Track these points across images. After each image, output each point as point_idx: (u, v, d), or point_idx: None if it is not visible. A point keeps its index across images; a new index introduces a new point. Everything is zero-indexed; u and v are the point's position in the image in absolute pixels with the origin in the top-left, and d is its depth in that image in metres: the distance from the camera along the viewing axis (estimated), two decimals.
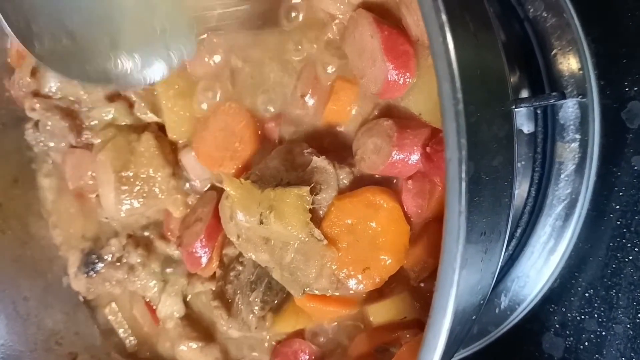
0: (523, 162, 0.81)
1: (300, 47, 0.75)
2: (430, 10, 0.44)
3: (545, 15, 0.78)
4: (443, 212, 0.47)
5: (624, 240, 0.75)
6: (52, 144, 1.01)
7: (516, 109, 0.74)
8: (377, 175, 0.70)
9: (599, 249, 0.77)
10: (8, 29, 0.71)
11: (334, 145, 0.74)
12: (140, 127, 0.92)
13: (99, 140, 0.92)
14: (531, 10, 0.79)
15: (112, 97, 0.95)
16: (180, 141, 0.90)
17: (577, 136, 0.77)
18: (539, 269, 0.81)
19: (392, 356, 0.66)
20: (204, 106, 0.84)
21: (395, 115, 0.69)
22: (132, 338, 1.02)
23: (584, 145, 0.76)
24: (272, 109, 0.80)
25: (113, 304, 1.03)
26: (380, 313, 0.72)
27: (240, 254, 0.80)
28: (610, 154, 0.75)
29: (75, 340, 1.04)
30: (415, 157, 0.65)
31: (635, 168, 0.74)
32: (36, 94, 1.00)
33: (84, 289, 0.99)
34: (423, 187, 0.67)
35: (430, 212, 0.67)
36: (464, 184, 0.44)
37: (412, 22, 0.64)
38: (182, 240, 0.86)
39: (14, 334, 0.99)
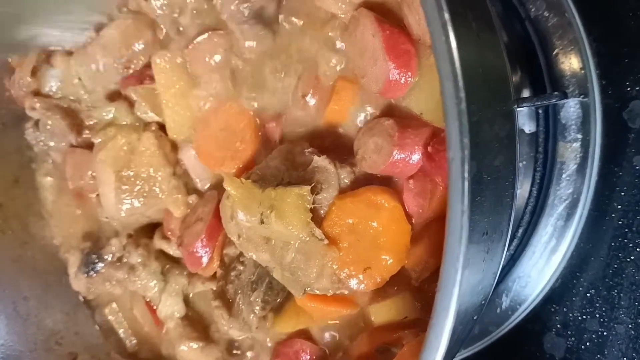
0: (524, 162, 0.81)
1: (301, 46, 0.75)
2: (433, 9, 0.44)
3: (547, 14, 0.78)
4: (444, 212, 0.47)
5: (625, 240, 0.75)
6: (52, 144, 1.01)
7: (518, 109, 0.74)
8: (378, 175, 0.69)
9: (601, 249, 0.76)
10: None
11: (335, 145, 0.74)
12: (140, 127, 0.92)
13: (100, 140, 0.91)
14: (532, 9, 0.79)
15: (113, 97, 0.95)
16: (180, 141, 0.90)
17: (579, 136, 0.76)
18: (541, 268, 0.81)
19: (393, 356, 0.65)
20: (204, 105, 0.85)
21: (396, 115, 0.69)
22: (132, 338, 1.02)
23: (585, 145, 0.76)
24: (272, 109, 0.79)
25: (113, 304, 1.03)
26: (382, 313, 0.72)
27: (241, 254, 0.80)
28: (611, 153, 0.75)
29: (75, 340, 1.04)
30: (416, 156, 0.65)
31: (637, 168, 0.74)
32: (36, 94, 1.00)
33: (84, 289, 0.99)
34: (424, 187, 0.67)
35: (431, 212, 0.67)
36: (466, 184, 0.44)
37: (414, 21, 0.64)
38: (182, 239, 0.86)
39: (14, 334, 0.99)
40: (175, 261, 0.93)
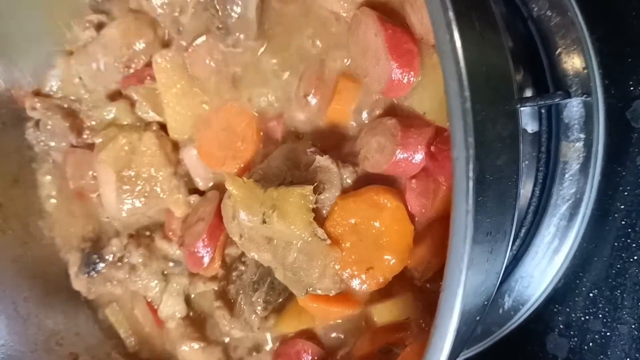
0: (527, 162, 0.80)
1: (303, 46, 0.75)
2: (438, 8, 0.44)
3: (550, 14, 0.78)
4: (447, 212, 0.47)
5: (629, 240, 0.75)
6: (52, 144, 1.01)
7: (521, 108, 0.73)
8: (380, 175, 0.69)
9: (604, 249, 0.76)
10: None
11: (337, 145, 0.74)
12: (141, 127, 0.91)
13: (100, 140, 0.91)
14: (535, 9, 0.79)
15: (114, 96, 0.95)
16: (181, 140, 0.90)
17: (582, 135, 0.76)
18: (543, 269, 0.80)
19: (395, 357, 0.65)
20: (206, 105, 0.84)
21: (399, 114, 0.68)
22: (133, 338, 1.02)
23: (588, 145, 0.76)
24: (275, 109, 0.79)
25: (114, 304, 1.02)
26: (384, 313, 0.72)
27: (242, 254, 0.80)
28: (615, 153, 0.75)
29: (76, 341, 1.03)
30: (419, 156, 0.65)
31: None
32: (37, 93, 0.99)
33: (84, 289, 0.99)
34: (427, 187, 0.66)
35: (434, 212, 0.66)
36: (471, 183, 0.44)
37: (417, 20, 0.63)
38: (184, 240, 0.86)
39: (15, 334, 0.99)
40: (177, 261, 0.93)
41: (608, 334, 0.77)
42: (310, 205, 0.67)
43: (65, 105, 0.97)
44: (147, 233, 0.96)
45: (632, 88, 0.74)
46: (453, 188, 0.45)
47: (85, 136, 0.98)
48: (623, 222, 0.75)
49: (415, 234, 0.68)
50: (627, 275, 0.75)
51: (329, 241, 0.67)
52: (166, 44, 0.90)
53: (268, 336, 0.84)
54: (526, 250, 0.82)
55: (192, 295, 0.93)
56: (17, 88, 1.00)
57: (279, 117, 0.79)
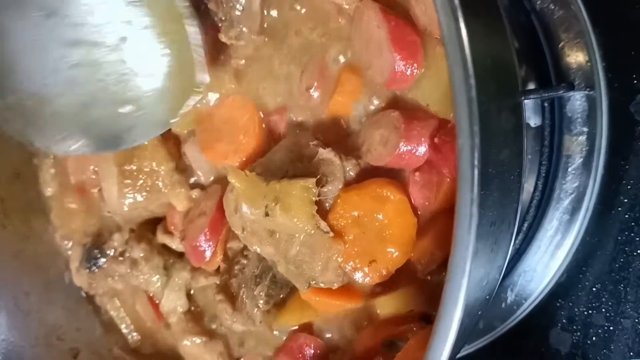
0: (530, 156, 0.80)
1: (305, 38, 0.75)
2: None
3: (553, 7, 0.78)
4: (451, 204, 0.47)
5: (632, 234, 0.74)
6: None
7: (525, 100, 0.73)
8: (384, 167, 0.69)
9: (607, 243, 0.76)
10: None
11: (340, 137, 0.74)
12: None
13: None
14: (538, 2, 0.79)
15: None
16: (183, 135, 0.89)
17: (585, 129, 0.76)
18: (546, 263, 0.80)
19: (398, 350, 0.65)
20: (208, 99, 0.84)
21: (402, 107, 0.68)
22: (134, 334, 1.02)
23: (591, 138, 0.76)
24: (276, 102, 0.79)
25: (115, 300, 1.02)
26: (387, 305, 0.72)
27: (244, 248, 0.80)
28: (618, 146, 0.74)
29: (77, 336, 1.03)
30: (422, 148, 0.65)
31: None
32: None
33: (86, 284, 0.99)
34: (430, 179, 0.66)
35: (437, 204, 0.66)
36: (476, 172, 0.43)
37: (420, 11, 0.63)
38: (185, 234, 0.86)
39: (15, 330, 0.99)
40: (178, 256, 0.93)
41: (611, 328, 0.77)
42: (313, 198, 0.67)
43: None
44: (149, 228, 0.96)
45: (635, 81, 0.73)
46: (458, 177, 0.45)
47: None
48: (626, 216, 0.75)
49: (418, 226, 0.67)
50: (630, 269, 0.75)
51: (331, 234, 0.67)
52: None
53: (270, 330, 0.83)
54: (529, 244, 0.81)
55: (193, 290, 0.93)
56: None
57: (282, 111, 0.78)
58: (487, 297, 0.61)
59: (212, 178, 0.88)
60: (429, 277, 0.69)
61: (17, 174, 1.06)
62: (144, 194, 0.88)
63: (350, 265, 0.68)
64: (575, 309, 0.79)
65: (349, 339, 0.77)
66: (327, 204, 0.69)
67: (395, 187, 0.67)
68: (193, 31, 0.71)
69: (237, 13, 0.73)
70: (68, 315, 1.04)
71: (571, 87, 0.74)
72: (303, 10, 0.75)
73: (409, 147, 0.64)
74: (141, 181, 0.88)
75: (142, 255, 0.92)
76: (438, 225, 0.66)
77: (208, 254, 0.82)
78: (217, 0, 0.74)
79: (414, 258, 0.68)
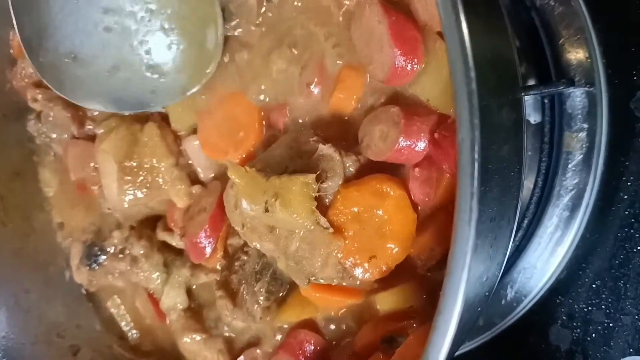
0: (530, 153, 0.80)
1: (306, 34, 0.75)
2: None
3: (553, 4, 0.77)
4: (450, 200, 0.47)
5: (632, 231, 0.74)
6: (54, 135, 1.01)
7: (525, 96, 0.73)
8: (383, 163, 0.69)
9: (607, 240, 0.76)
10: (19, 38, 0.81)
11: (340, 133, 0.74)
12: (143, 117, 0.91)
13: (102, 131, 0.91)
14: None
15: None
16: (183, 131, 0.89)
17: (585, 125, 0.76)
18: (546, 260, 0.80)
19: (398, 345, 0.65)
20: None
21: (402, 102, 0.68)
22: (134, 331, 1.02)
23: (591, 135, 0.75)
24: (277, 98, 0.79)
25: (115, 297, 1.02)
26: (387, 301, 0.72)
27: (244, 244, 0.80)
28: (618, 143, 0.74)
29: (77, 333, 1.03)
30: (422, 144, 0.65)
31: None
32: (38, 85, 0.99)
33: (86, 281, 0.99)
34: (430, 175, 0.66)
35: (437, 200, 0.66)
36: (476, 165, 0.43)
37: (421, 6, 0.63)
38: (185, 230, 0.86)
39: (16, 327, 0.99)
40: (178, 253, 0.93)
41: (611, 324, 0.77)
42: (313, 194, 0.67)
43: None
44: (149, 225, 0.96)
45: (635, 78, 0.73)
46: (458, 171, 0.45)
47: (86, 127, 0.97)
48: (626, 213, 0.75)
49: (418, 222, 0.67)
50: (630, 266, 0.75)
51: (331, 230, 0.67)
52: None
53: (270, 326, 0.83)
54: (529, 241, 0.81)
55: (194, 287, 0.93)
56: (18, 79, 1.00)
57: (282, 107, 0.78)
58: (487, 293, 0.61)
59: (212, 175, 0.88)
60: (428, 273, 0.69)
61: (17, 172, 1.06)
62: (144, 190, 0.88)
63: (350, 261, 0.68)
64: (575, 306, 0.79)
65: (349, 335, 0.77)
66: (327, 200, 0.69)
67: (395, 183, 0.67)
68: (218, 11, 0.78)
69: (235, 4, 0.74)
70: (68, 312, 1.04)
71: (571, 83, 0.73)
72: (303, 5, 0.75)
73: (409, 143, 0.64)
74: (141, 177, 0.88)
75: (142, 252, 0.92)
76: (438, 221, 0.66)
77: (208, 250, 0.82)
78: None
79: (414, 254, 0.68)
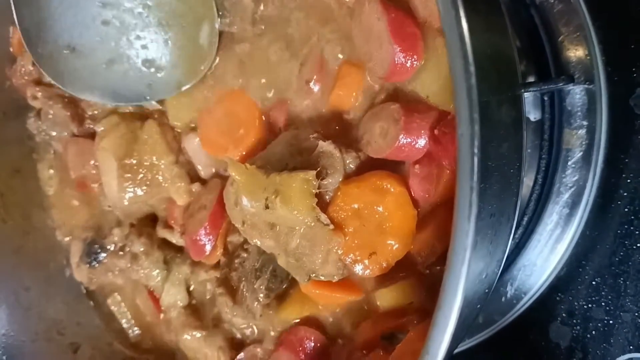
0: (529, 150, 0.80)
1: (305, 31, 0.75)
2: None
3: (552, 1, 0.78)
4: (450, 197, 0.47)
5: (632, 228, 0.74)
6: (54, 133, 1.01)
7: (525, 93, 0.73)
8: (384, 160, 0.69)
9: (607, 237, 0.76)
10: (19, 29, 0.82)
11: (340, 130, 0.74)
12: (143, 115, 0.91)
13: (102, 128, 0.91)
14: None
15: None
16: (183, 128, 0.89)
17: (585, 123, 0.76)
18: (546, 257, 0.80)
19: (398, 342, 0.65)
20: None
21: (402, 99, 0.68)
22: (135, 328, 1.02)
23: (591, 132, 0.76)
24: (277, 96, 0.79)
25: (116, 294, 1.02)
26: (387, 298, 0.72)
27: (244, 241, 0.80)
28: (618, 140, 0.74)
29: (77, 331, 1.03)
30: (422, 140, 0.65)
31: None
32: (38, 83, 0.99)
33: (86, 279, 0.99)
34: (430, 172, 0.66)
35: (437, 197, 0.66)
36: (476, 160, 0.43)
37: (420, 3, 0.63)
38: (186, 228, 0.86)
39: (16, 324, 0.99)
40: (179, 250, 0.93)
41: (611, 322, 0.77)
42: (313, 190, 0.67)
43: (67, 94, 0.97)
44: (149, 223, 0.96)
45: (635, 75, 0.73)
46: (458, 166, 0.45)
47: (86, 125, 0.97)
48: (626, 210, 0.75)
49: (418, 219, 0.67)
50: (630, 263, 0.75)
51: (331, 226, 0.67)
52: None
53: (270, 323, 0.83)
54: (528, 238, 0.81)
55: (193, 284, 0.93)
56: (18, 77, 1.00)
57: (282, 104, 0.78)
58: (487, 290, 0.61)
59: (212, 172, 0.88)
60: (428, 270, 0.69)
61: (17, 169, 1.06)
62: (144, 188, 0.88)
63: (351, 258, 0.68)
64: (575, 303, 0.79)
65: (349, 332, 0.77)
66: (327, 197, 0.69)
67: (395, 179, 0.67)
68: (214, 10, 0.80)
69: (229, 2, 0.75)
70: (68, 310, 1.04)
71: (571, 79, 0.74)
72: (302, 2, 0.75)
73: (409, 139, 0.64)
74: (141, 175, 0.88)
75: (142, 249, 0.92)
76: (438, 217, 0.66)
77: (208, 247, 0.82)
78: None
79: (414, 250, 0.68)
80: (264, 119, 0.80)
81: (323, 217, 0.67)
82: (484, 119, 0.45)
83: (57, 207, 1.07)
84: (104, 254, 0.95)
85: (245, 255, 0.80)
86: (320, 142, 0.70)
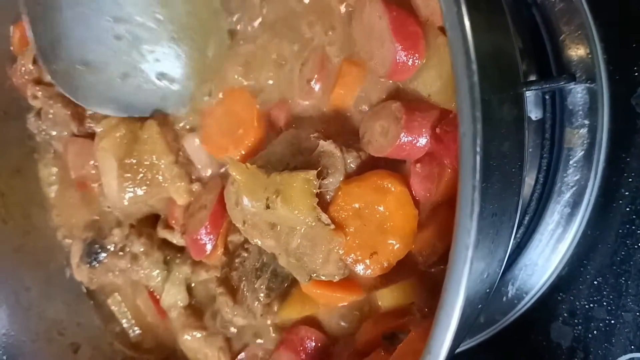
0: (531, 149, 0.80)
1: (306, 30, 0.75)
2: None
3: (554, 0, 0.77)
4: (452, 196, 0.46)
5: (633, 227, 0.74)
6: (54, 133, 1.01)
7: (526, 92, 0.73)
8: (385, 159, 0.69)
9: (608, 236, 0.76)
10: (35, 47, 0.83)
11: (341, 129, 0.74)
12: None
13: (102, 128, 0.91)
14: None
15: None
16: (183, 128, 0.89)
17: (586, 122, 0.76)
18: (547, 257, 0.80)
19: (399, 342, 0.65)
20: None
21: (403, 98, 0.68)
22: (135, 328, 1.02)
23: (593, 131, 0.75)
24: (277, 95, 0.79)
25: (116, 294, 1.02)
26: (388, 298, 0.71)
27: (245, 241, 0.80)
28: (619, 139, 0.74)
29: (77, 331, 1.03)
30: (423, 139, 0.64)
31: None
32: (38, 82, 0.99)
33: (86, 279, 0.99)
34: (432, 171, 0.66)
35: (439, 196, 0.66)
36: (478, 158, 0.43)
37: (422, 1, 0.63)
38: (186, 227, 0.86)
39: (16, 324, 0.99)
40: (179, 250, 0.93)
41: (612, 321, 0.76)
42: (314, 190, 0.66)
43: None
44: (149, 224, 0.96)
45: (636, 74, 0.73)
46: (459, 165, 0.45)
47: (86, 125, 0.97)
48: (628, 209, 0.75)
49: (419, 218, 0.67)
50: (631, 262, 0.75)
51: (332, 226, 0.67)
52: None
53: (271, 323, 0.83)
54: (530, 238, 0.81)
55: (194, 284, 0.93)
56: (18, 76, 1.00)
57: (282, 103, 0.78)
58: (488, 290, 0.61)
59: (212, 172, 0.88)
60: (430, 270, 0.69)
61: (18, 169, 1.06)
62: (144, 187, 0.88)
63: (352, 258, 0.68)
64: (577, 303, 0.79)
65: (350, 332, 0.77)
66: (328, 196, 0.69)
67: (396, 178, 0.67)
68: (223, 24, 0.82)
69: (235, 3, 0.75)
70: (69, 310, 1.04)
71: (572, 78, 0.73)
72: (306, 1, 0.75)
73: (410, 138, 0.64)
74: (141, 175, 0.88)
75: (142, 249, 0.92)
76: (439, 216, 0.66)
77: (209, 247, 0.82)
78: None
79: (415, 250, 0.68)
80: (264, 118, 0.80)
81: (324, 216, 0.67)
82: (485, 118, 0.45)
83: (58, 206, 1.07)
84: (104, 254, 0.95)
85: (245, 254, 0.80)
86: (321, 142, 0.69)
